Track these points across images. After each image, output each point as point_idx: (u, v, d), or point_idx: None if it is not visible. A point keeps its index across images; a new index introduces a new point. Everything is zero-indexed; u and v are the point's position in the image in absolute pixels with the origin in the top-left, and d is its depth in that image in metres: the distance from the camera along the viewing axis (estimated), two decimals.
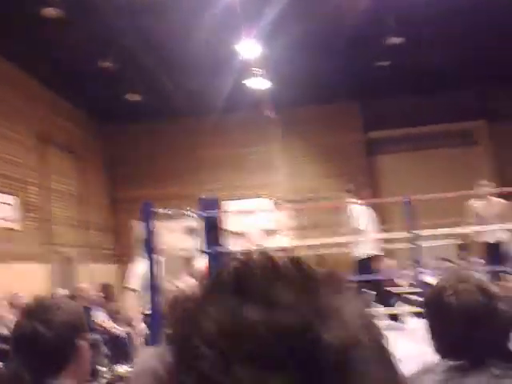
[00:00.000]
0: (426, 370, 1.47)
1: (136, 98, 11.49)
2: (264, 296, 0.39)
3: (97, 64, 9.81)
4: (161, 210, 4.70)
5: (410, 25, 9.32)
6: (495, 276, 6.50)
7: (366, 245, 6.17)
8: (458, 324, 1.42)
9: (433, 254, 11.06)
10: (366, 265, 6.02)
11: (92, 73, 10.37)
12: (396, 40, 9.78)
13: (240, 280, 0.41)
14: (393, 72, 11.21)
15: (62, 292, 8.82)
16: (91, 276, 11.64)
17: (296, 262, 0.42)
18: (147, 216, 4.61)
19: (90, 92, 11.58)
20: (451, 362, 1.44)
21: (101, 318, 8.34)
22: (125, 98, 11.43)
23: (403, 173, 12.69)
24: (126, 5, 8.36)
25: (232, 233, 6.21)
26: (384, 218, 11.71)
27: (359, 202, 6.51)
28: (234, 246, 5.68)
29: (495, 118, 12.86)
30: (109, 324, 8.33)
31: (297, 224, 12.63)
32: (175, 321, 0.43)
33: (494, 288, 1.92)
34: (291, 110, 13.06)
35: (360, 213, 6.35)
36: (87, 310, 7.91)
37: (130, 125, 13.41)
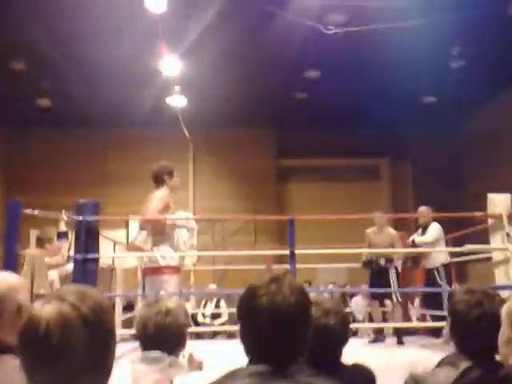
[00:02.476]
0: (231, 375, 1.38)
1: (46, 102, 10.96)
2: None
3: (8, 64, 9.29)
4: (28, 211, 4.32)
5: (326, 59, 9.69)
6: (377, 298, 6.79)
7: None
8: (266, 325, 1.35)
9: (327, 276, 11.52)
10: None
11: (2, 73, 9.78)
12: (313, 73, 10.12)
13: None
14: (309, 104, 11.59)
15: None
16: None
17: None
18: (12, 217, 4.28)
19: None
20: (256, 366, 1.35)
21: None
22: (34, 101, 10.87)
23: (309, 201, 13.06)
24: (45, 9, 8.02)
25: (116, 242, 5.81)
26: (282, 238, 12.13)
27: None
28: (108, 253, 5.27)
29: (397, 157, 13.71)
30: None
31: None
32: None
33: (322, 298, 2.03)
34: (205, 130, 13.06)
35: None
36: None
37: (37, 129, 12.78)
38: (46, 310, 1.10)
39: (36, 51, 9.13)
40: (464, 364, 1.64)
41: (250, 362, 1.40)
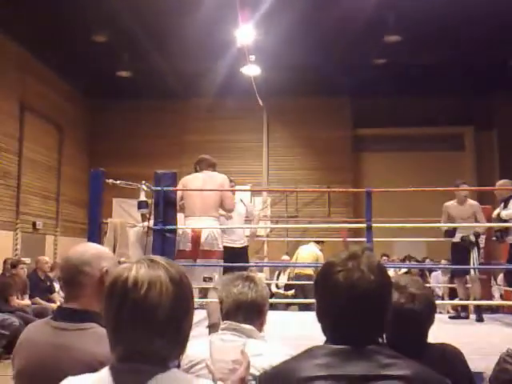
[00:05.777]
0: (308, 353, 1.33)
1: (126, 75, 11.24)
2: None
3: (90, 37, 9.55)
4: (111, 181, 4.45)
5: (408, 23, 9.23)
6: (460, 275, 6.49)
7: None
8: (343, 303, 1.29)
9: (405, 250, 11.19)
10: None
11: (84, 46, 10.08)
12: (393, 38, 9.69)
13: None
14: (387, 70, 11.15)
15: (25, 261, 8.70)
16: (58, 248, 11.54)
17: None
18: (95, 185, 4.38)
19: (80, 65, 11.29)
20: (334, 346, 1.30)
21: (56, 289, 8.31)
22: (115, 74, 11.18)
23: (387, 172, 12.71)
24: None
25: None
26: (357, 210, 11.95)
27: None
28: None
29: (482, 126, 12.99)
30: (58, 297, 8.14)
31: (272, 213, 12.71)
32: None
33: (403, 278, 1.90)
34: (280, 99, 12.94)
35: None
36: (46, 280, 8.40)
37: (117, 102, 13.18)
38: (135, 268, 1.14)
39: (116, 24, 9.31)
40: None
41: (328, 340, 1.34)
